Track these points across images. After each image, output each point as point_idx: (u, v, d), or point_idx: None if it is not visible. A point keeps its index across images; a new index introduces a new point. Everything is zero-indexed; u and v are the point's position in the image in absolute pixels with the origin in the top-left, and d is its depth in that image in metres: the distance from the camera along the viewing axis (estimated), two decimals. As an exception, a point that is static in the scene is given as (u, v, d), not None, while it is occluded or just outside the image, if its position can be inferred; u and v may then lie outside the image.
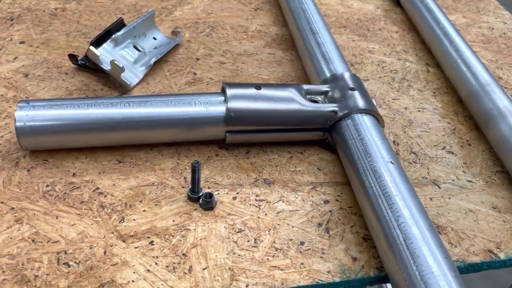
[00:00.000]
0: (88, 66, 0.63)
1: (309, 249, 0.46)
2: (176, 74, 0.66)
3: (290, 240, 0.46)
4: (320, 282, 0.43)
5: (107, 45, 0.62)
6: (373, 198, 0.45)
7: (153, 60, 0.63)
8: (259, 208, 0.49)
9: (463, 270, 0.46)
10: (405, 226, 0.41)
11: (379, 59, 0.73)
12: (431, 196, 0.52)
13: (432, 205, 0.51)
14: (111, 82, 0.62)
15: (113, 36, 0.62)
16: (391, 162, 0.47)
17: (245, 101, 0.52)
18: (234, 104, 0.51)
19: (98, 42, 0.63)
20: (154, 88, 0.63)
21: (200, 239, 0.45)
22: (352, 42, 0.76)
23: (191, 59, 0.69)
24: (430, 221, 0.42)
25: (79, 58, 0.63)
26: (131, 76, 0.61)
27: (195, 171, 0.46)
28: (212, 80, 0.65)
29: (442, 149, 0.58)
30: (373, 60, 0.72)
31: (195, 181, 0.47)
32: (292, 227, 0.47)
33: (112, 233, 0.45)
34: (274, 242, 0.46)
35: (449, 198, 0.52)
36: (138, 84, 0.62)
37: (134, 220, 0.46)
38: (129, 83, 0.59)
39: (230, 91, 0.52)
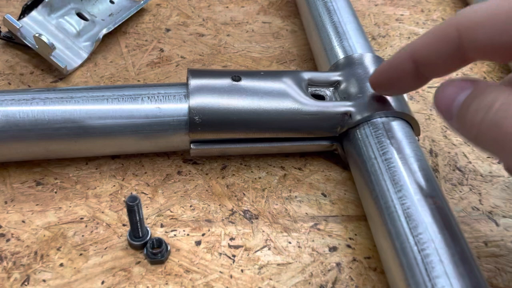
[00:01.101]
0: (15, 41, 0.46)
1: (304, 331, 0.30)
2: (136, 51, 0.49)
3: (276, 315, 0.31)
4: None
5: (37, 13, 0.45)
6: (404, 261, 0.28)
7: (103, 32, 0.47)
8: (234, 261, 0.33)
9: None
10: (460, 325, 0.25)
11: (410, 30, 0.55)
12: (485, 239, 0.36)
13: (487, 253, 0.35)
14: (45, 63, 0.46)
15: (46, 0, 0.46)
16: (433, 199, 0.31)
17: (216, 97, 0.35)
18: (200, 103, 0.35)
19: (32, 6, 0.47)
20: (103, 71, 0.46)
21: (139, 315, 0.30)
22: (375, 6, 0.58)
23: (159, 30, 0.52)
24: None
25: (2, 30, 0.46)
26: (70, 55, 0.45)
27: (133, 211, 0.31)
28: (183, 60, 0.48)
29: (499, 162, 0.42)
30: (402, 32, 0.54)
31: (135, 223, 0.32)
32: (280, 292, 0.32)
33: (7, 304, 0.30)
34: (251, 319, 0.30)
35: (513, 242, 0.36)
36: (81, 65, 0.46)
37: (43, 281, 0.31)
38: (63, 66, 0.43)
39: (194, 83, 0.35)
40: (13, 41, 0.47)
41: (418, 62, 0.30)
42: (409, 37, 0.54)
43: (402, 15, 0.57)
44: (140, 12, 0.53)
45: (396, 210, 0.30)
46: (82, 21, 0.48)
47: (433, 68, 0.29)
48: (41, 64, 0.46)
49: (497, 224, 0.37)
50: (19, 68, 0.46)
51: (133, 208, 0.30)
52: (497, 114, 0.24)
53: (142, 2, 0.52)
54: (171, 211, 0.36)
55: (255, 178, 0.38)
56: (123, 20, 0.49)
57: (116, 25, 0.48)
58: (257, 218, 0.36)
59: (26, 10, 0.47)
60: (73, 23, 0.47)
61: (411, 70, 0.30)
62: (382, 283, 0.33)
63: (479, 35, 0.26)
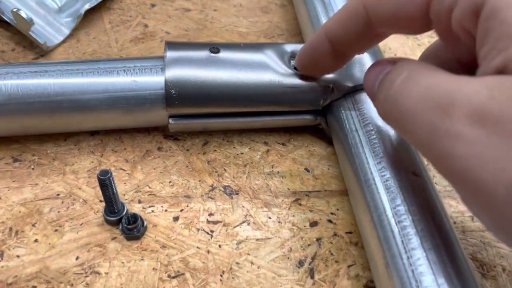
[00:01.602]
0: (-5, 17, 0.45)
1: (281, 306, 0.30)
2: (120, 26, 0.48)
3: (253, 290, 0.30)
4: None
5: (17, -13, 0.44)
6: (382, 234, 0.28)
7: (86, 7, 0.46)
8: (211, 236, 0.32)
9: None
10: (434, 298, 0.24)
11: (403, 3, 0.53)
12: (471, 214, 0.35)
13: (473, 228, 0.34)
14: (27, 40, 0.45)
15: (26, -26, 0.45)
16: (415, 173, 0.30)
17: (193, 69, 0.34)
18: (175, 76, 0.34)
19: (14, -18, 0.46)
20: (86, 47, 0.45)
21: (113, 291, 0.30)
22: (367, -21, 0.56)
23: (144, 5, 0.50)
24: (478, 285, 0.25)
25: (-18, 6, 0.46)
26: (51, 31, 0.44)
27: (105, 186, 0.30)
28: (168, 35, 0.47)
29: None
30: (394, 5, 0.53)
31: (109, 198, 0.31)
32: (258, 267, 0.31)
33: (-20, 279, 0.30)
34: (227, 294, 0.30)
35: (500, 216, 0.35)
36: (63, 42, 0.45)
37: (17, 257, 0.31)
38: (42, 42, 0.42)
39: (170, 55, 0.34)
40: (-6, 18, 0.46)
41: (333, 41, 0.29)
42: (401, 10, 0.52)
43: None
44: (125, -12, 0.52)
45: (375, 182, 0.29)
46: (64, -3, 0.47)
47: (348, 45, 0.29)
48: (23, 41, 0.45)
49: (485, 199, 0.36)
50: (0, 45, 0.45)
51: (105, 182, 0.30)
52: (397, 90, 0.23)
53: (127, -23, 0.51)
54: (149, 187, 0.35)
55: (237, 154, 0.38)
56: (107, -4, 0.48)
57: (99, 0, 0.47)
58: (237, 194, 0.35)
59: (7, -14, 0.46)
60: (54, -1, 0.46)
61: (329, 49, 0.30)
62: (363, 257, 0.32)
63: (383, 8, 0.25)
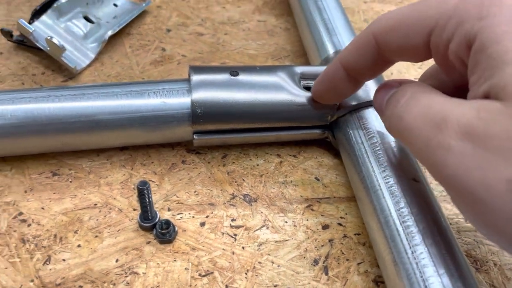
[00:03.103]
0: (26, 44, 0.49)
1: (300, 299, 0.33)
2: (139, 50, 0.52)
3: (275, 286, 0.34)
4: None
5: (47, 17, 0.49)
6: (388, 233, 0.32)
7: (109, 33, 0.50)
8: (235, 239, 0.36)
9: (511, 324, 0.34)
10: (435, 286, 0.28)
11: (397, 26, 0.58)
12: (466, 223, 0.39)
13: (467, 228, 0.38)
14: (55, 64, 0.49)
15: (55, 5, 0.49)
16: (415, 179, 0.34)
17: (216, 91, 0.39)
18: (201, 96, 0.38)
19: (41, 11, 0.50)
20: (110, 70, 0.49)
21: (151, 288, 0.33)
22: (364, 3, 0.61)
23: (161, 31, 0.55)
24: (473, 275, 0.29)
25: (14, 34, 0.50)
26: (79, 56, 0.48)
27: (143, 195, 0.34)
28: (185, 58, 0.52)
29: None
30: (389, 27, 0.57)
31: (145, 206, 0.35)
32: (278, 266, 0.35)
33: (32, 280, 0.33)
34: (252, 290, 0.34)
35: (490, 217, 0.39)
36: (89, 65, 0.49)
37: (63, 260, 0.34)
38: (73, 66, 0.46)
39: (195, 78, 0.39)
40: (25, 44, 0.50)
41: (348, 69, 0.33)
42: (396, 32, 0.57)
43: (389, 11, 0.60)
44: (142, 14, 0.56)
45: (381, 188, 0.34)
46: (89, 24, 0.51)
47: (361, 72, 0.33)
48: (52, 65, 0.49)
49: (476, 202, 0.40)
50: (31, 69, 0.49)
51: (143, 191, 0.33)
52: (401, 108, 0.28)
53: (143, 4, 0.56)
54: (177, 196, 0.39)
55: (254, 165, 0.42)
56: (127, 22, 0.52)
57: (121, 27, 0.51)
58: (256, 201, 0.39)
59: (35, 15, 0.50)
60: (80, 26, 0.50)
61: (344, 76, 0.34)
62: (371, 256, 0.36)
63: (391, 40, 0.30)
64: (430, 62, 0.32)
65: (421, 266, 0.29)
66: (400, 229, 0.31)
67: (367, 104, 0.39)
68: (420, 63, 0.53)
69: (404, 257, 0.30)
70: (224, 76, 0.39)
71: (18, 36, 0.50)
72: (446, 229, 0.31)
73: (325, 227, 0.38)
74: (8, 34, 0.49)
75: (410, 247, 0.30)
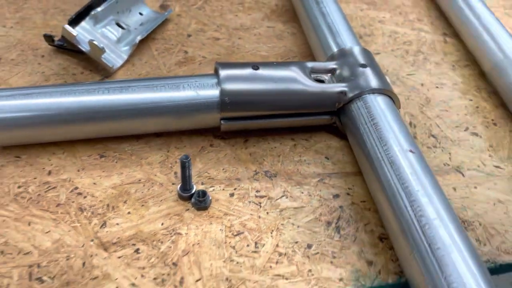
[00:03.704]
0: (66, 47, 0.56)
1: (318, 252, 0.40)
2: (165, 53, 0.59)
3: (296, 242, 0.40)
4: (331, 292, 0.37)
5: (86, 23, 0.55)
6: (390, 194, 0.38)
7: (139, 38, 0.57)
8: (260, 206, 0.43)
9: (494, 271, 0.40)
10: (430, 228, 0.35)
11: (391, 30, 0.65)
12: (454, 186, 0.46)
13: (456, 196, 0.45)
14: (92, 65, 0.56)
15: (92, 13, 0.56)
16: (411, 151, 0.41)
17: (241, 83, 0.45)
18: (229, 87, 0.45)
19: (77, 19, 0.56)
20: (140, 70, 0.56)
21: (193, 245, 0.39)
22: (360, 11, 0.68)
23: (182, 36, 0.62)
24: (458, 221, 0.36)
25: (56, 39, 0.56)
26: (114, 57, 0.55)
27: (184, 167, 0.40)
28: (205, 59, 0.58)
29: (464, 130, 0.52)
30: (384, 31, 0.65)
31: (185, 178, 0.41)
32: (298, 227, 0.41)
33: (92, 240, 0.39)
34: (277, 245, 0.40)
35: (475, 187, 0.46)
36: (122, 66, 0.56)
37: (117, 224, 0.41)
38: (111, 66, 0.53)
39: (223, 73, 0.46)
40: (64, 47, 0.56)
41: None
42: (390, 35, 0.64)
43: (384, 17, 0.68)
44: (165, 22, 0.63)
45: (383, 159, 0.40)
46: (121, 30, 0.57)
47: None
48: (89, 66, 0.56)
49: (463, 175, 0.47)
50: (71, 69, 0.55)
51: (185, 164, 0.40)
52: None
53: (166, 13, 0.63)
54: (208, 173, 0.45)
55: (272, 148, 0.48)
56: (153, 28, 0.59)
57: (148, 32, 0.58)
58: (275, 176, 0.46)
59: (72, 22, 0.56)
60: (113, 32, 0.57)
61: None
62: (375, 218, 0.42)
63: None
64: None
65: (419, 216, 0.36)
66: (400, 189, 0.38)
67: (368, 92, 0.46)
68: (412, 60, 0.60)
69: (404, 210, 0.37)
70: (247, 70, 0.46)
71: (58, 40, 0.56)
72: (439, 188, 0.38)
73: (336, 196, 0.44)
74: (50, 39, 0.56)
75: (409, 202, 0.37)
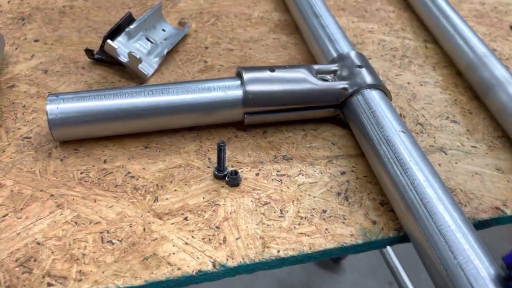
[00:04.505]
0: (104, 59, 0.65)
1: (331, 216, 0.49)
2: (187, 63, 0.68)
3: (313, 209, 0.50)
4: (344, 244, 0.47)
5: (121, 38, 0.65)
6: (388, 166, 0.48)
7: (166, 50, 0.66)
8: (281, 182, 0.52)
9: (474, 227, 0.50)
10: (421, 188, 0.44)
11: (379, 38, 0.76)
12: (439, 162, 0.56)
13: (441, 170, 0.55)
14: (127, 74, 0.65)
15: (127, 30, 0.65)
16: (402, 132, 0.50)
17: (261, 83, 0.55)
18: (252, 87, 0.54)
19: (110, 36, 0.66)
20: (168, 77, 0.65)
21: (230, 213, 0.48)
22: (352, 23, 0.79)
23: (200, 48, 0.71)
24: (443, 183, 0.46)
25: (95, 52, 0.65)
26: (147, 66, 0.64)
27: (221, 150, 0.50)
28: (222, 67, 0.68)
29: (446, 119, 0.62)
30: (373, 40, 0.75)
31: (221, 159, 0.50)
32: (314, 197, 0.51)
33: (148, 212, 0.48)
34: (298, 211, 0.49)
35: (456, 163, 0.56)
36: (153, 74, 0.65)
37: (167, 199, 0.49)
38: (146, 74, 0.62)
39: (246, 75, 0.55)
40: (103, 60, 0.65)
41: None
42: (379, 43, 0.75)
43: (372, 28, 0.78)
44: (184, 37, 0.73)
45: (381, 139, 0.50)
46: (149, 44, 0.67)
47: None
48: (125, 75, 0.65)
49: (446, 154, 0.57)
50: (109, 78, 0.65)
51: (221, 147, 0.49)
52: None
53: (185, 29, 0.72)
54: (236, 158, 0.54)
55: (286, 137, 0.58)
56: (177, 42, 0.69)
57: (173, 45, 0.68)
58: (292, 159, 0.55)
59: (106, 39, 0.66)
60: (144, 45, 0.66)
61: None
62: (376, 189, 0.52)
63: None
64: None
65: (413, 182, 0.45)
66: (396, 163, 0.47)
67: (365, 87, 0.56)
68: (399, 63, 0.71)
69: (401, 179, 0.46)
70: (265, 73, 0.56)
71: (97, 53, 0.65)
72: (426, 158, 0.48)
73: (343, 173, 0.54)
74: (90, 53, 0.65)
75: (405, 171, 0.46)
